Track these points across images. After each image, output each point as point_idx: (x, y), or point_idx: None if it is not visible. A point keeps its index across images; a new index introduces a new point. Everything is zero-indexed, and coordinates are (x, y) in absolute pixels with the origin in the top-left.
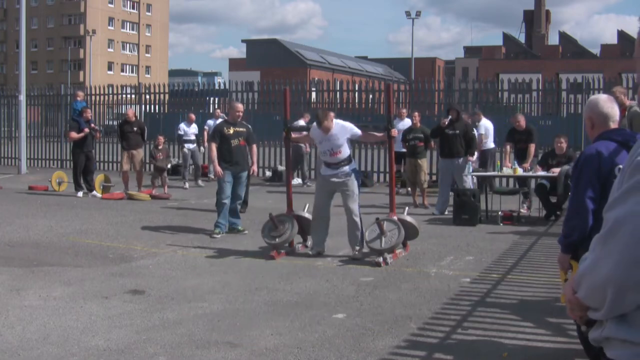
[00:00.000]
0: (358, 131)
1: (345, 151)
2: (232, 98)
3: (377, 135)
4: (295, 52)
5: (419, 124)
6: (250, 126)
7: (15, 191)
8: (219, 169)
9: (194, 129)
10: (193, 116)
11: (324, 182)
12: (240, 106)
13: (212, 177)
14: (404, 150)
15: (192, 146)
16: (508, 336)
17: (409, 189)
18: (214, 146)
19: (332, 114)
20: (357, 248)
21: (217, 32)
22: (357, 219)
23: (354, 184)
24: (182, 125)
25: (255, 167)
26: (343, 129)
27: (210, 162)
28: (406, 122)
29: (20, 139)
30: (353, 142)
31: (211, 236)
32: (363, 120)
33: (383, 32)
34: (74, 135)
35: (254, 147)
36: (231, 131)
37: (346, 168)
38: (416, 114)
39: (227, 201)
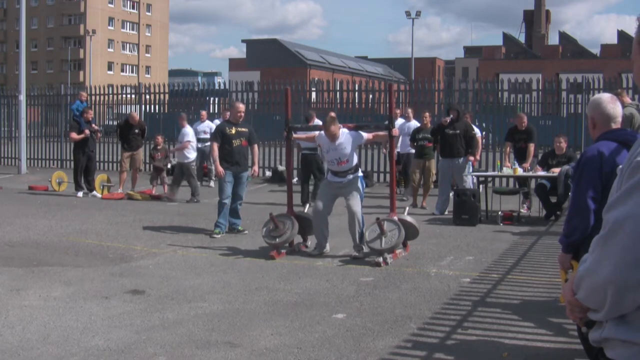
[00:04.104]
0: (364, 135)
1: (352, 160)
2: (232, 98)
3: (382, 134)
4: (295, 52)
5: (429, 125)
6: (251, 126)
7: (15, 191)
8: (220, 168)
9: (205, 126)
10: (204, 113)
11: (329, 186)
12: (242, 106)
13: (214, 177)
14: (399, 151)
15: (201, 145)
16: (508, 336)
17: (403, 188)
18: (215, 146)
19: (336, 124)
20: (360, 250)
21: (217, 32)
22: (360, 221)
23: (358, 187)
24: (194, 125)
25: (256, 168)
26: (349, 137)
27: (212, 162)
28: (398, 122)
29: (20, 139)
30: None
31: (211, 236)
32: (363, 120)
33: (383, 32)
34: (75, 136)
35: (255, 147)
36: (233, 131)
37: (351, 176)
38: (427, 114)
39: (227, 201)
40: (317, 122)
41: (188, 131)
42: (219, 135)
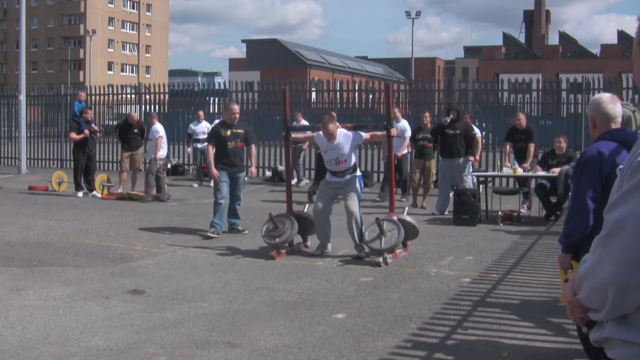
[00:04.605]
0: (362, 135)
1: (350, 160)
2: (232, 98)
3: (380, 134)
4: (295, 52)
5: (429, 125)
6: (248, 126)
7: (15, 191)
8: (214, 171)
9: (202, 127)
10: (202, 113)
11: (327, 186)
12: (236, 107)
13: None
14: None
15: (200, 145)
16: (508, 336)
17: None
18: (210, 149)
19: (335, 122)
20: (361, 250)
21: (217, 32)
22: (358, 220)
23: (355, 187)
24: (191, 125)
25: (253, 169)
26: (347, 137)
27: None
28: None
29: (20, 139)
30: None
31: (206, 236)
32: (363, 120)
33: (383, 32)
34: (74, 136)
35: (253, 147)
36: (228, 133)
37: (349, 176)
38: (427, 114)
39: (222, 201)
40: (303, 122)
41: (158, 128)
42: (214, 137)
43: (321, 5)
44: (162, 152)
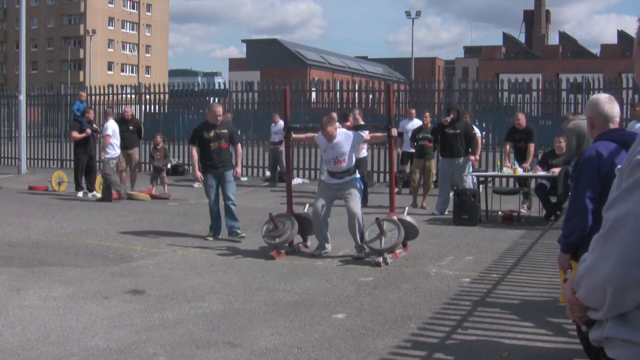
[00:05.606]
0: (362, 135)
1: (350, 161)
2: (232, 98)
3: (380, 135)
4: (295, 52)
5: (429, 125)
6: (233, 126)
7: (15, 191)
8: (198, 173)
9: None
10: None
11: (326, 188)
12: (219, 109)
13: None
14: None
15: None
16: (508, 336)
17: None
18: (194, 150)
19: (337, 123)
20: (362, 251)
21: (217, 32)
22: (360, 221)
23: (356, 188)
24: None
25: (238, 169)
26: (347, 137)
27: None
28: (415, 123)
29: (20, 139)
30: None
31: (205, 239)
32: (363, 120)
33: (383, 32)
34: (76, 135)
35: (239, 146)
36: (211, 134)
37: (348, 178)
38: (427, 114)
39: (214, 205)
40: (281, 123)
41: (108, 125)
42: (196, 139)
43: (321, 5)
44: (112, 152)
